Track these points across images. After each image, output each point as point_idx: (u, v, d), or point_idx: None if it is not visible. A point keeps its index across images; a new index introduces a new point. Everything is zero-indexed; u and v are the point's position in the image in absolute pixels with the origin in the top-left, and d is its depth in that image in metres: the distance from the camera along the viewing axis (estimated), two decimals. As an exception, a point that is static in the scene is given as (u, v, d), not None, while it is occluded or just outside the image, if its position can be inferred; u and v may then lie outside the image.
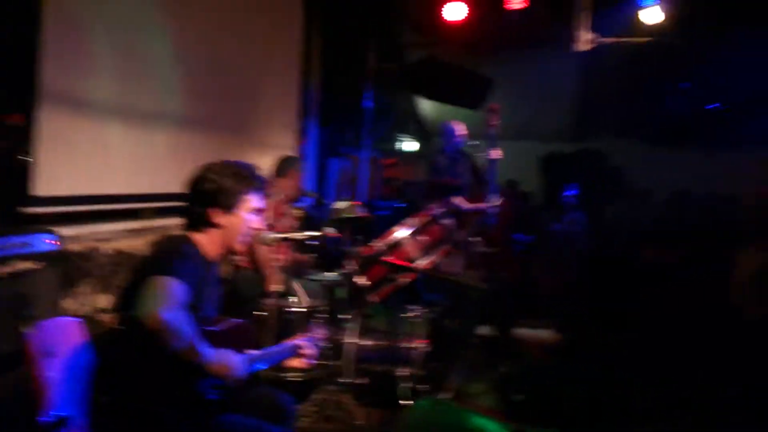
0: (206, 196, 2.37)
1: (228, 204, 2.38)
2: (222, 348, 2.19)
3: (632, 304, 6.19)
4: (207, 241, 2.40)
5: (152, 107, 4.29)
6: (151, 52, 4.22)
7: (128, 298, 2.15)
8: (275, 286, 4.23)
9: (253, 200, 2.44)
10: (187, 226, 2.43)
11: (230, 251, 2.50)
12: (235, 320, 2.45)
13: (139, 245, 4.12)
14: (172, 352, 2.02)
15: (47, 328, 2.58)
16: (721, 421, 4.16)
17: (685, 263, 6.64)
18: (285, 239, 3.43)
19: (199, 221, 2.39)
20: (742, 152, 9.32)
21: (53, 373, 2.55)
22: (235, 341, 2.38)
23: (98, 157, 3.84)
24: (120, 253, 3.91)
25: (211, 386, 2.17)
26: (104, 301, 3.73)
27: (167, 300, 2.02)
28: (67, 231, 3.44)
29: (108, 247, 3.84)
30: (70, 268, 3.46)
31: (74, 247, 3.55)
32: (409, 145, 10.39)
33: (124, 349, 2.09)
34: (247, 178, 2.42)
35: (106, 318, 3.59)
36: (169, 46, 4.37)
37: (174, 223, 4.53)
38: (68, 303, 3.45)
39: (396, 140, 9.87)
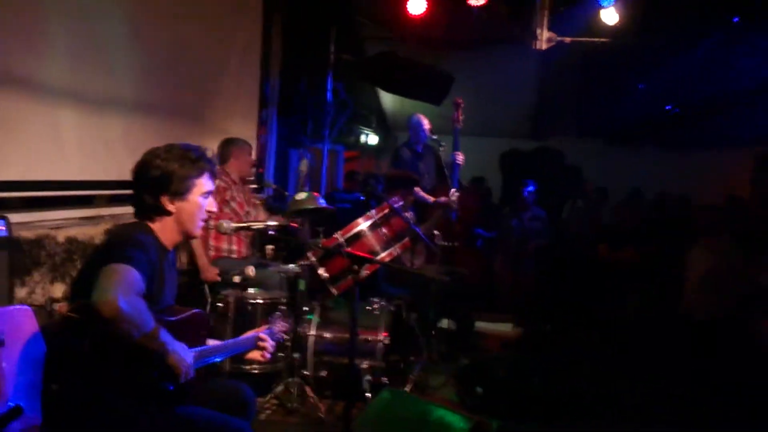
0: (154, 184, 2.29)
1: (178, 190, 2.30)
2: (179, 338, 2.13)
3: (589, 300, 6.29)
4: (162, 229, 2.33)
5: (107, 92, 4.15)
6: (105, 35, 4.07)
7: (82, 286, 2.08)
8: (210, 276, 4.17)
9: (204, 183, 2.36)
10: (139, 215, 2.35)
11: (188, 237, 2.43)
12: (191, 310, 2.38)
13: (92, 233, 3.99)
14: (128, 340, 1.95)
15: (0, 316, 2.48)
16: (675, 414, 4.25)
17: (640, 261, 6.76)
18: (244, 228, 3.36)
19: (150, 210, 2.31)
20: (696, 152, 9.58)
21: (5, 363, 2.45)
22: (192, 331, 2.32)
23: (50, 142, 3.70)
24: (73, 241, 3.78)
25: (168, 377, 2.10)
26: (57, 290, 3.60)
27: (124, 288, 1.95)
28: (17, 217, 3.31)
29: (60, 234, 3.71)
30: (21, 255, 3.33)
31: (25, 234, 3.41)
32: (370, 139, 10.36)
33: (78, 338, 2.00)
34: (194, 161, 2.33)
35: (59, 307, 3.47)
36: (125, 30, 4.24)
37: (129, 211, 4.40)
38: (19, 292, 3.32)
39: (357, 133, 9.82)
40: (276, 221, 3.32)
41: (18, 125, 3.45)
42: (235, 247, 4.38)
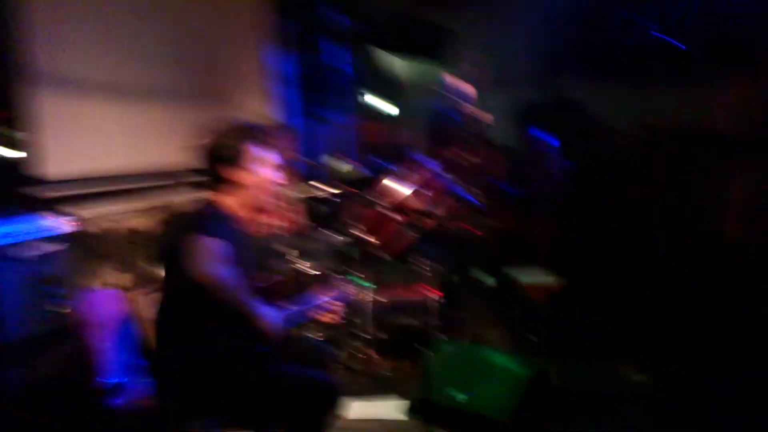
0: (228, 160, 2.42)
1: (251, 164, 2.44)
2: (267, 303, 2.27)
3: (627, 242, 6.38)
4: (235, 203, 2.47)
5: (144, 84, 4.27)
6: (133, 26, 4.19)
7: (172, 262, 2.23)
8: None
9: (273, 157, 2.51)
10: (212, 191, 2.48)
11: (260, 210, 2.56)
12: (275, 277, 2.53)
13: (150, 223, 4.14)
14: (228, 306, 2.08)
15: (92, 300, 2.64)
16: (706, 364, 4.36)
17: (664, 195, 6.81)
18: (307, 197, 3.45)
19: (225, 185, 2.44)
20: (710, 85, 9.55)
21: (103, 342, 2.62)
22: (277, 296, 2.47)
23: (102, 137, 3.83)
24: (134, 233, 3.93)
25: (263, 339, 2.25)
26: (127, 280, 3.76)
27: (218, 258, 2.09)
28: (83, 213, 3.46)
29: (123, 227, 3.86)
30: (89, 249, 3.48)
31: (91, 228, 3.56)
32: (389, 108, 10.38)
33: (183, 308, 2.14)
34: (257, 136, 2.48)
35: (130, 296, 3.62)
36: (148, 20, 4.35)
37: (179, 199, 4.54)
38: (91, 283, 3.47)
39: (373, 102, 9.84)
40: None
41: (74, 123, 3.59)
42: (285, 223, 4.49)
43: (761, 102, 8.13)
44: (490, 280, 5.28)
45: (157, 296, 2.34)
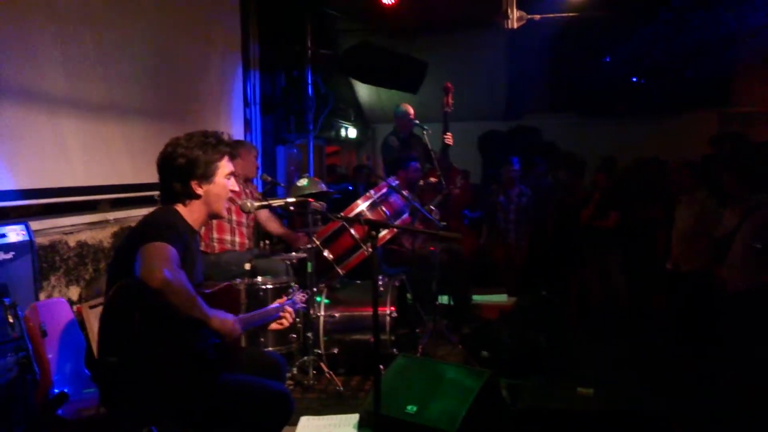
0: (182, 171, 2.45)
1: (205, 174, 2.46)
2: (215, 308, 2.28)
3: (579, 265, 6.51)
4: (189, 212, 2.49)
5: (104, 100, 4.25)
6: (99, 43, 4.18)
7: (120, 269, 2.23)
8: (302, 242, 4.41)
9: (226, 165, 2.54)
10: (167, 200, 2.50)
11: (214, 217, 2.59)
12: (223, 283, 2.53)
13: (100, 237, 4.11)
14: (174, 310, 2.08)
15: (40, 309, 2.62)
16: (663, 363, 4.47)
17: (623, 223, 6.98)
18: (265, 206, 3.47)
19: (179, 195, 2.47)
20: (664, 118, 9.91)
21: (50, 353, 2.60)
22: (225, 303, 2.47)
23: (55, 150, 3.80)
24: (84, 245, 3.90)
25: (211, 346, 2.26)
26: (73, 292, 3.72)
27: (166, 261, 2.10)
28: (31, 225, 3.43)
29: (72, 239, 3.82)
30: (38, 260, 3.45)
31: (40, 240, 3.53)
32: (350, 132, 10.50)
33: (128, 313, 2.13)
34: (214, 146, 2.51)
35: (77, 307, 3.59)
36: (116, 38, 4.35)
37: (131, 214, 4.53)
38: (39, 293, 3.43)
39: (336, 127, 9.95)
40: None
41: (24, 135, 3.55)
42: (238, 239, 4.50)
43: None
44: (444, 298, 5.34)
45: (102, 306, 2.33)
